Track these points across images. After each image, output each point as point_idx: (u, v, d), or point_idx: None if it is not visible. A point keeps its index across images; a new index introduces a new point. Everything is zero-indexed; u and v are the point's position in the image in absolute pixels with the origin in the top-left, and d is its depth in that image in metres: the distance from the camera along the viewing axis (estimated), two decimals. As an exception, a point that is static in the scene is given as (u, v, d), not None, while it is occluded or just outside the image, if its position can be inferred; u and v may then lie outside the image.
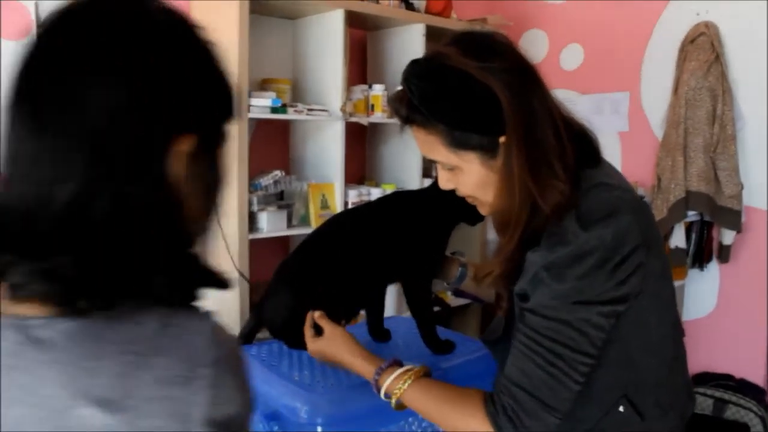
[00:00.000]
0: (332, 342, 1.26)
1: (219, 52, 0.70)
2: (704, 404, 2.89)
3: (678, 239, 2.94)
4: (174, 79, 0.64)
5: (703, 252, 3.01)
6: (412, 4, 3.05)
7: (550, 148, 1.04)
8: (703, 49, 2.89)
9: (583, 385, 1.03)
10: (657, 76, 3.18)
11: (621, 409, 1.08)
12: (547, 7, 3.64)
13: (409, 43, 3.04)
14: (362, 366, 1.21)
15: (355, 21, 2.92)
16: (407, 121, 1.09)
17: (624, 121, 3.35)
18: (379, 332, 1.58)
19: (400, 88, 1.10)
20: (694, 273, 3.10)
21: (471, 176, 1.10)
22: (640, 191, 3.18)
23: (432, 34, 3.03)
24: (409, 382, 1.13)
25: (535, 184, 1.03)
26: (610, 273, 1.00)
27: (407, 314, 1.58)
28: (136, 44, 0.62)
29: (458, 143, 1.06)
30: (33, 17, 2.33)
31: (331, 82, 2.80)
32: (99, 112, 0.59)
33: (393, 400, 1.14)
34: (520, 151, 1.03)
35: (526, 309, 1.05)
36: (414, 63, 1.08)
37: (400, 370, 1.16)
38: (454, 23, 3.19)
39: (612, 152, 3.39)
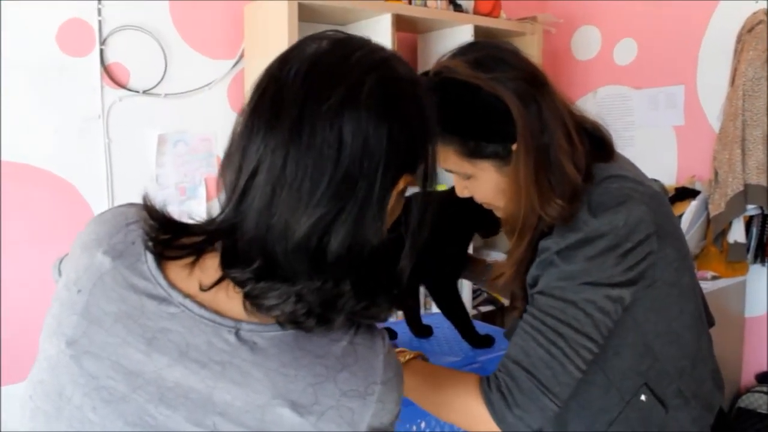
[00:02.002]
0: None
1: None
2: (769, 403, 2.82)
3: (737, 234, 2.87)
4: (412, 127, 0.73)
5: (764, 247, 2.93)
6: (460, 5, 3.06)
7: (560, 151, 1.06)
8: (762, 38, 2.82)
9: (586, 374, 1.03)
10: (713, 67, 3.12)
11: (643, 398, 1.08)
12: (598, 3, 3.60)
13: (458, 45, 3.03)
14: None
15: (404, 24, 2.96)
16: None
17: (680, 115, 3.29)
18: (419, 329, 1.61)
19: None
20: (755, 269, 3.01)
21: (487, 183, 1.12)
22: (697, 185, 3.12)
23: (481, 34, 3.04)
24: (402, 361, 1.14)
25: (538, 189, 1.05)
26: (620, 257, 1.01)
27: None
28: (392, 92, 0.71)
29: (472, 153, 1.09)
30: (96, 35, 2.43)
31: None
32: (356, 146, 0.67)
33: None
34: (528, 157, 1.05)
35: (535, 292, 1.07)
36: (424, 76, 1.09)
37: (396, 350, 1.17)
38: (504, 23, 3.19)
39: (668, 146, 3.34)
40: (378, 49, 0.74)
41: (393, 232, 0.76)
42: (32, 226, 2.32)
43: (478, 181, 1.13)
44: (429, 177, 0.77)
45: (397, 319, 1.64)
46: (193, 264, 0.72)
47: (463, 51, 1.10)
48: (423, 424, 1.32)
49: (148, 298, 0.70)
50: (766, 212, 2.87)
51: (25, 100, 2.32)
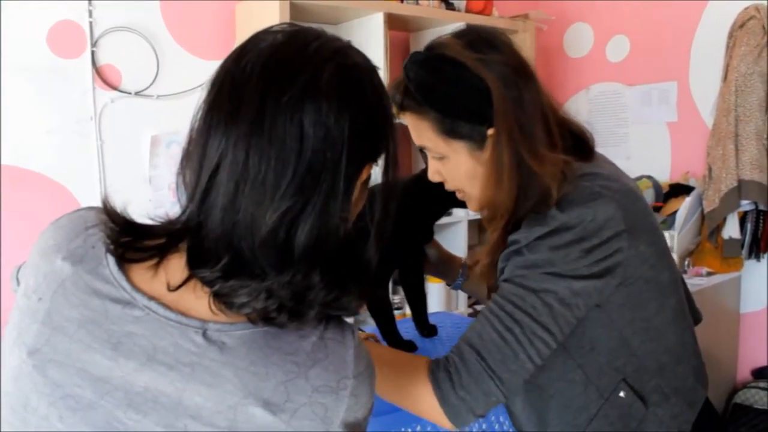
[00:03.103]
0: None
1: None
2: (765, 399, 2.82)
3: (732, 230, 2.88)
4: (372, 115, 0.73)
5: (759, 242, 2.94)
6: (452, 3, 3.06)
7: (538, 141, 1.06)
8: (754, 33, 2.82)
9: (562, 371, 1.04)
10: (706, 63, 3.13)
11: (622, 394, 1.08)
12: (590, 1, 3.60)
13: (450, 43, 3.04)
14: None
15: (396, 23, 2.95)
16: (401, 107, 1.13)
17: (672, 111, 3.29)
18: (425, 327, 1.60)
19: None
20: (750, 264, 3.02)
21: (459, 167, 1.13)
22: (691, 182, 3.12)
23: (473, 32, 3.03)
24: None
25: (519, 176, 1.05)
26: (585, 252, 1.01)
27: (458, 310, 1.60)
28: (351, 82, 0.70)
29: (448, 131, 1.10)
30: (87, 36, 2.42)
31: (373, 85, 2.83)
32: (318, 138, 0.66)
33: None
34: (508, 142, 1.05)
35: (501, 280, 1.07)
36: (416, 53, 1.12)
37: None
38: (495, 20, 3.19)
39: (661, 143, 3.34)
40: (334, 39, 0.74)
41: (358, 222, 0.76)
42: (23, 229, 2.30)
43: (451, 163, 1.13)
44: (391, 166, 0.77)
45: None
46: (156, 265, 0.71)
47: (459, 33, 1.12)
48: (418, 428, 1.31)
49: (112, 302, 0.69)
50: (760, 208, 2.87)
51: (17, 103, 2.30)
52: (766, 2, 2.85)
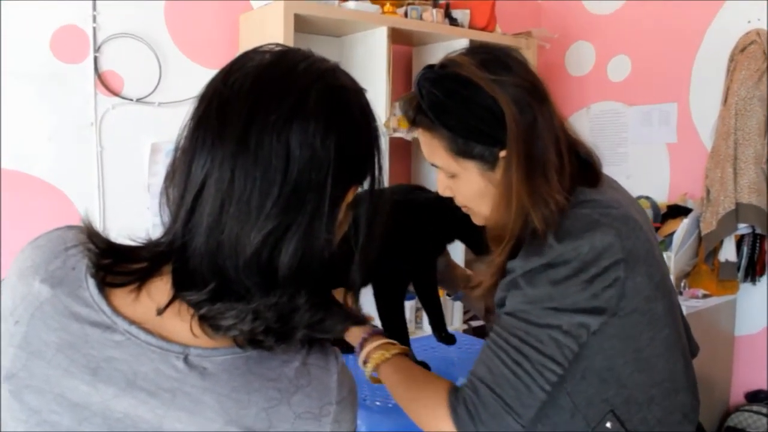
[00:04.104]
0: None
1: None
2: (758, 423, 2.82)
3: (728, 252, 2.88)
4: (358, 137, 0.72)
5: (755, 265, 2.94)
6: (455, 19, 3.07)
7: (549, 164, 1.06)
8: (755, 58, 2.84)
9: (551, 395, 1.03)
10: (706, 86, 3.14)
11: (608, 425, 1.06)
12: (593, 19, 3.62)
13: (453, 58, 3.05)
14: (353, 330, 1.26)
15: (399, 37, 2.97)
16: (414, 123, 1.13)
17: (672, 132, 3.30)
18: (442, 331, 1.60)
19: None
20: (746, 287, 3.02)
21: (469, 185, 1.13)
22: (689, 203, 3.13)
23: (476, 48, 3.04)
24: (387, 355, 1.16)
25: (529, 199, 1.05)
26: (585, 283, 1.00)
27: (453, 327, 1.61)
28: (337, 103, 0.70)
29: (460, 151, 1.09)
30: (91, 42, 2.42)
31: (375, 98, 2.81)
32: (303, 159, 0.65)
33: (369, 367, 1.18)
34: (519, 165, 1.05)
35: (502, 313, 1.07)
36: (429, 68, 1.11)
37: (382, 341, 1.20)
38: (498, 37, 3.20)
39: (660, 163, 3.35)
40: (321, 60, 0.73)
41: (343, 244, 0.75)
42: (19, 234, 2.30)
43: (461, 181, 1.13)
44: (376, 188, 0.76)
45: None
46: (138, 289, 0.70)
47: (472, 51, 1.12)
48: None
49: (91, 326, 0.67)
50: (757, 231, 2.88)
51: (18, 107, 2.30)
52: (767, 27, 2.87)
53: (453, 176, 1.14)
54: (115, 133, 2.49)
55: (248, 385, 0.67)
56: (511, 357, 1.02)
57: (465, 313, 3.12)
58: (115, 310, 0.68)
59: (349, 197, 0.72)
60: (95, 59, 2.44)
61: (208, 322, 0.66)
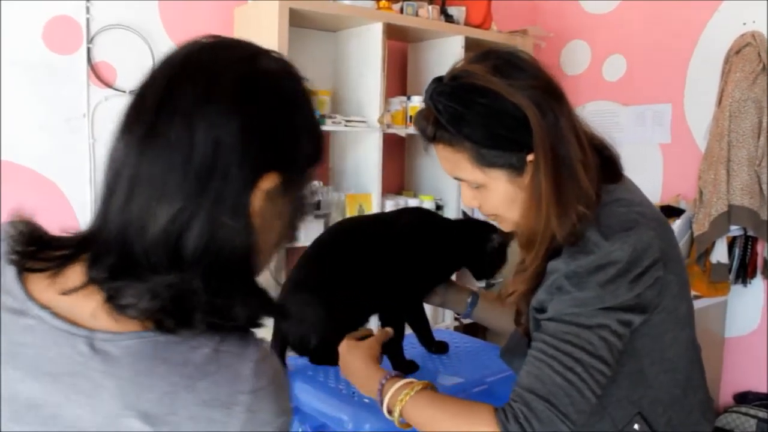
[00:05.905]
0: (349, 356, 1.26)
1: (313, 103, 0.78)
2: (747, 424, 2.82)
3: (720, 254, 2.89)
4: (274, 123, 0.71)
5: (746, 267, 2.95)
6: (451, 16, 3.07)
7: (575, 162, 1.04)
8: (749, 60, 2.84)
9: (598, 398, 1.01)
10: (701, 87, 3.14)
11: (636, 427, 1.06)
12: (589, 18, 3.62)
13: (448, 55, 3.05)
14: (366, 381, 1.19)
15: (395, 33, 2.96)
16: (434, 139, 1.09)
17: (666, 133, 3.31)
18: (432, 344, 1.60)
19: (423, 106, 1.11)
20: (737, 289, 3.03)
21: (497, 194, 1.10)
22: (682, 204, 3.13)
23: (471, 46, 3.04)
24: (411, 393, 1.09)
25: (561, 198, 1.03)
26: (631, 283, 1.00)
27: (444, 324, 1.60)
28: (249, 88, 0.69)
29: (486, 161, 1.06)
30: (84, 33, 2.41)
31: (369, 94, 2.84)
32: (207, 143, 0.66)
33: (396, 415, 1.10)
34: (547, 166, 1.03)
35: (544, 319, 1.04)
36: (439, 81, 1.08)
37: (402, 382, 1.12)
38: (494, 35, 3.20)
39: (654, 164, 3.35)
40: (249, 46, 0.73)
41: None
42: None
43: (489, 191, 1.10)
44: (294, 181, 0.75)
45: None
46: (55, 274, 0.70)
47: (480, 58, 1.08)
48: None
49: (6, 312, 0.68)
50: (749, 233, 2.89)
51: (9, 98, 2.28)
52: (764, 30, 2.87)
53: (479, 187, 1.11)
54: (107, 124, 2.47)
55: (151, 370, 0.65)
56: (563, 363, 0.99)
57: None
58: (29, 295, 0.68)
59: (265, 184, 0.70)
60: (88, 50, 2.42)
61: (111, 303, 0.66)
